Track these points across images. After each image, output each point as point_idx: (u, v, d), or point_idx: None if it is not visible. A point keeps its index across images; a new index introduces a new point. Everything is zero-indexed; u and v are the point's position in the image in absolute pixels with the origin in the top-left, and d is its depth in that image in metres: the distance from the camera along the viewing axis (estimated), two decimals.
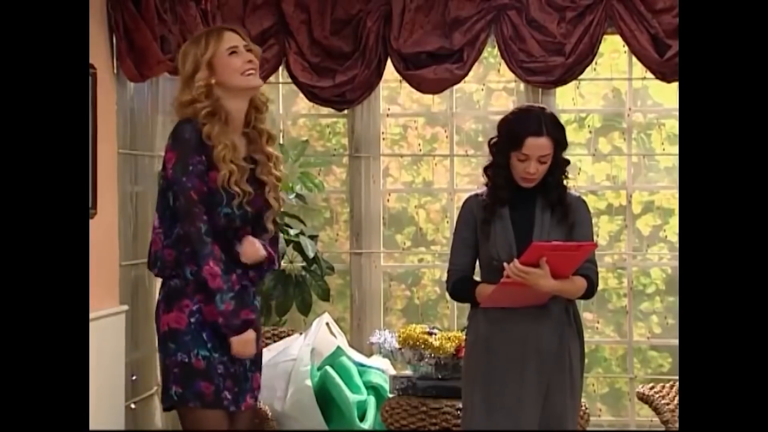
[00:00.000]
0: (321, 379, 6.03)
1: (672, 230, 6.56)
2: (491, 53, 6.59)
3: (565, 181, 4.39)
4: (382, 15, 6.42)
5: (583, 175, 6.63)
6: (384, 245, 6.75)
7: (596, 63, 6.46)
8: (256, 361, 4.21)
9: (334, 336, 6.24)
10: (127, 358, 5.99)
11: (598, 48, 6.31)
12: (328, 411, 6.00)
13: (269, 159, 4.17)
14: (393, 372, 6.12)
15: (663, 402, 5.52)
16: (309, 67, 6.47)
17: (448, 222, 6.70)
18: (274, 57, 6.43)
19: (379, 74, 6.48)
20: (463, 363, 4.59)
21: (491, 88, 6.78)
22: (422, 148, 6.84)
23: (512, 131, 4.31)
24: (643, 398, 5.61)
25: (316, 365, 6.07)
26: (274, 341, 6.28)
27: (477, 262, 4.44)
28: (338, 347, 6.14)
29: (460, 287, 4.42)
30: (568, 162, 4.39)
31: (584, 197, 4.50)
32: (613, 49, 6.61)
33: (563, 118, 4.48)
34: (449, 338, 5.78)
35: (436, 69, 6.37)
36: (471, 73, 6.45)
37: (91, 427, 3.73)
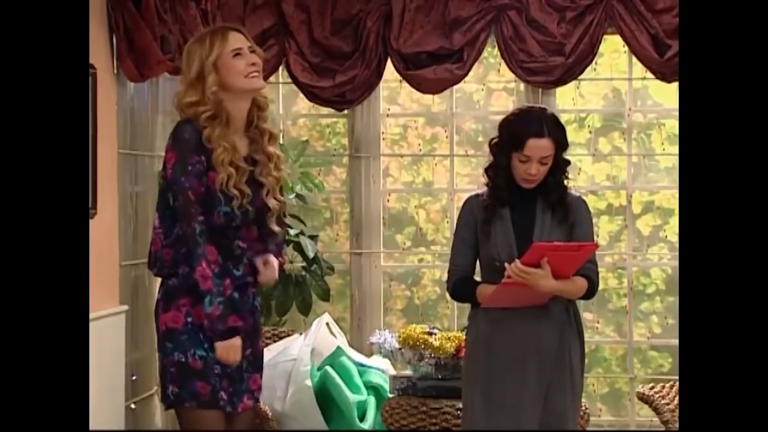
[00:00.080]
0: (321, 379, 6.03)
1: (672, 230, 6.56)
2: (491, 53, 6.59)
3: (565, 182, 4.39)
4: (382, 15, 6.42)
5: (583, 175, 6.63)
6: (384, 245, 6.75)
7: (596, 63, 6.46)
8: (255, 362, 4.20)
9: (334, 336, 6.24)
10: (127, 358, 5.99)
11: (598, 48, 6.31)
12: (328, 411, 6.00)
13: (270, 159, 4.17)
14: (393, 372, 6.12)
15: (663, 402, 5.52)
16: (309, 67, 6.47)
17: (448, 222, 6.70)
18: (274, 57, 6.43)
19: (379, 74, 6.48)
20: (463, 363, 4.59)
21: (491, 88, 6.78)
22: (422, 148, 6.84)
23: (513, 132, 4.31)
24: (643, 398, 5.61)
25: (316, 365, 6.07)
26: (274, 341, 6.28)
27: (477, 263, 4.44)
28: (338, 347, 6.14)
29: (460, 287, 4.42)
30: (568, 162, 4.39)
31: (584, 197, 4.50)
32: (613, 49, 6.61)
33: (563, 118, 4.48)
34: (449, 338, 5.78)
35: (436, 69, 6.37)
36: (471, 73, 6.45)
37: (91, 427, 3.72)
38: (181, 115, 4.13)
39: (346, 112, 6.66)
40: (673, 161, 6.55)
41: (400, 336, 5.87)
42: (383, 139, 6.75)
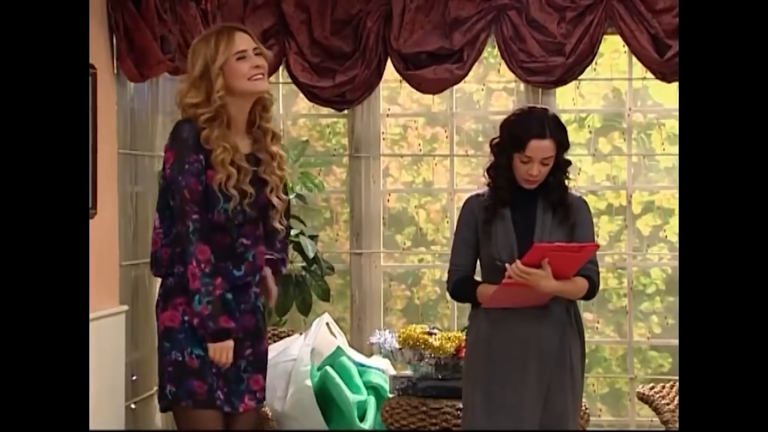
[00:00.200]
0: (321, 379, 6.03)
1: (672, 230, 6.56)
2: (491, 53, 6.59)
3: (566, 182, 4.39)
4: (382, 15, 6.42)
5: (583, 176, 6.63)
6: (384, 245, 6.74)
7: (596, 63, 6.46)
8: (256, 362, 4.19)
9: (334, 336, 6.24)
10: (127, 358, 5.99)
11: (598, 48, 6.31)
12: (328, 411, 6.00)
13: (273, 158, 4.17)
14: (393, 372, 6.12)
15: (663, 402, 5.52)
16: (309, 67, 6.47)
17: (448, 222, 6.70)
18: (274, 57, 6.41)
19: (379, 74, 6.48)
20: (463, 363, 4.59)
21: (491, 88, 6.77)
22: (422, 148, 6.84)
23: (515, 133, 4.30)
24: (643, 398, 5.62)
25: (316, 365, 6.07)
26: (274, 341, 6.27)
27: (478, 262, 4.44)
28: (338, 347, 6.14)
29: (461, 287, 4.42)
30: (569, 163, 4.39)
31: (584, 197, 4.50)
32: (613, 49, 6.61)
33: (563, 118, 4.48)
34: (449, 338, 5.78)
35: (436, 69, 6.37)
36: (471, 73, 6.45)
37: (91, 427, 3.72)
38: (182, 113, 4.14)
39: (346, 112, 6.66)
40: (673, 161, 6.55)
41: (400, 336, 5.87)
42: (383, 139, 6.75)
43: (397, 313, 6.84)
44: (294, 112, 6.92)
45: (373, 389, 6.12)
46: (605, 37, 6.35)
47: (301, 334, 6.28)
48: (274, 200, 4.16)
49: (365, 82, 6.45)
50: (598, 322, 6.63)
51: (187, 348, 4.07)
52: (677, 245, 4.74)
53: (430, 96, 6.65)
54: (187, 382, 4.06)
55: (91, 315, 4.37)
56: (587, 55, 6.29)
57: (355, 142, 6.69)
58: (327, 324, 6.24)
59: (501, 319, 4.33)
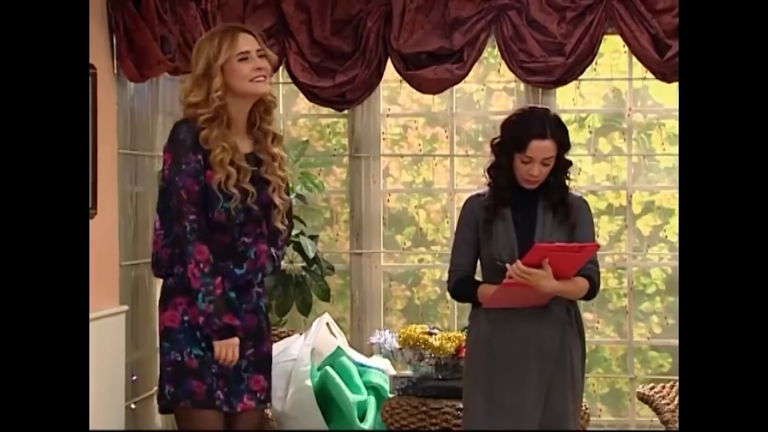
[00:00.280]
0: (321, 379, 6.03)
1: (672, 230, 6.56)
2: (491, 53, 6.59)
3: (567, 182, 4.39)
4: (382, 15, 6.42)
5: (584, 176, 6.63)
6: (384, 245, 6.74)
7: (596, 63, 6.46)
8: (257, 362, 4.18)
9: (334, 336, 6.24)
10: (127, 358, 5.99)
11: (598, 48, 6.31)
12: (329, 411, 6.00)
13: (274, 159, 4.17)
14: (393, 372, 6.12)
15: (663, 402, 5.52)
16: (309, 67, 6.47)
17: (448, 222, 6.70)
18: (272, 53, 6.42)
19: (380, 74, 6.48)
20: (464, 363, 4.59)
21: (491, 88, 6.77)
22: (422, 149, 6.84)
23: (516, 133, 4.30)
24: (644, 398, 5.62)
25: (316, 365, 6.07)
26: (275, 341, 6.26)
27: (478, 262, 4.44)
28: (338, 347, 6.14)
29: (461, 287, 4.42)
30: (570, 163, 4.39)
31: (585, 197, 4.50)
32: (613, 49, 6.61)
33: (563, 119, 4.48)
34: (449, 338, 5.78)
35: (436, 69, 6.37)
36: (471, 74, 6.45)
37: (91, 427, 3.72)
38: (184, 112, 4.15)
39: (346, 112, 6.66)
40: (673, 161, 6.55)
41: (400, 336, 5.87)
42: (383, 139, 6.75)
43: (397, 313, 6.84)
44: (294, 112, 6.92)
45: (373, 389, 6.12)
46: (605, 37, 6.34)
47: (301, 334, 6.28)
48: (277, 200, 4.16)
49: (365, 82, 6.45)
50: (598, 322, 6.63)
51: (186, 348, 4.07)
52: (677, 245, 4.74)
53: (430, 96, 6.65)
54: (185, 382, 4.06)
55: (91, 315, 4.37)
56: (587, 55, 6.29)
57: (355, 142, 6.69)
58: (327, 324, 6.24)
59: (501, 319, 4.33)
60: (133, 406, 6.07)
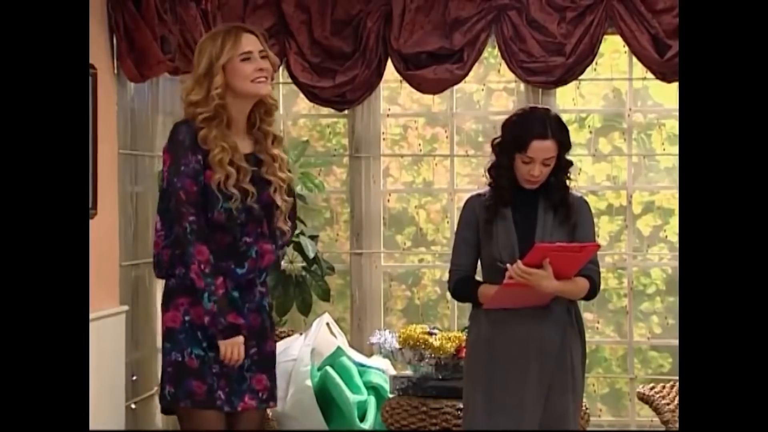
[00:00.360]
0: (321, 379, 6.03)
1: (672, 230, 6.56)
2: (491, 53, 6.59)
3: (567, 182, 4.39)
4: (382, 15, 6.42)
5: (584, 176, 6.62)
6: (384, 245, 6.74)
7: (596, 63, 6.46)
8: (260, 362, 4.17)
9: (335, 336, 6.24)
10: (127, 358, 5.99)
11: (598, 48, 6.31)
12: (329, 411, 6.00)
13: (274, 160, 4.17)
14: (393, 372, 6.12)
15: (663, 402, 5.52)
16: (309, 68, 6.47)
17: (448, 222, 6.70)
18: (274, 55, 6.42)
19: (380, 74, 6.48)
20: (464, 363, 4.58)
21: (491, 88, 6.77)
22: (422, 149, 6.84)
23: (517, 133, 4.30)
24: (644, 398, 5.62)
25: (316, 365, 6.07)
26: (275, 341, 6.27)
27: (478, 262, 4.44)
28: (338, 347, 6.14)
29: (461, 287, 4.42)
30: (571, 163, 4.39)
31: (585, 197, 4.50)
32: (613, 49, 6.61)
33: (563, 119, 4.48)
34: (449, 338, 5.78)
35: (436, 69, 6.37)
36: (471, 74, 6.45)
37: (91, 427, 3.72)
38: (185, 110, 4.15)
39: (346, 112, 6.66)
40: (673, 161, 6.55)
41: (400, 336, 5.87)
42: (383, 139, 6.75)
43: (397, 313, 6.84)
44: (294, 113, 6.92)
45: (374, 389, 6.12)
46: (605, 37, 6.34)
47: (301, 334, 6.28)
48: (278, 201, 4.16)
49: (365, 82, 6.45)
50: (598, 323, 6.63)
51: (187, 348, 4.07)
52: (677, 245, 4.74)
53: (430, 96, 6.65)
54: (186, 382, 4.06)
55: (92, 315, 4.38)
56: (587, 55, 6.29)
57: (355, 142, 6.69)
58: (327, 324, 6.24)
59: (502, 319, 4.33)
60: (133, 406, 6.07)
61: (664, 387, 5.68)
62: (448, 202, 6.73)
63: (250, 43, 4.13)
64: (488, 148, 4.45)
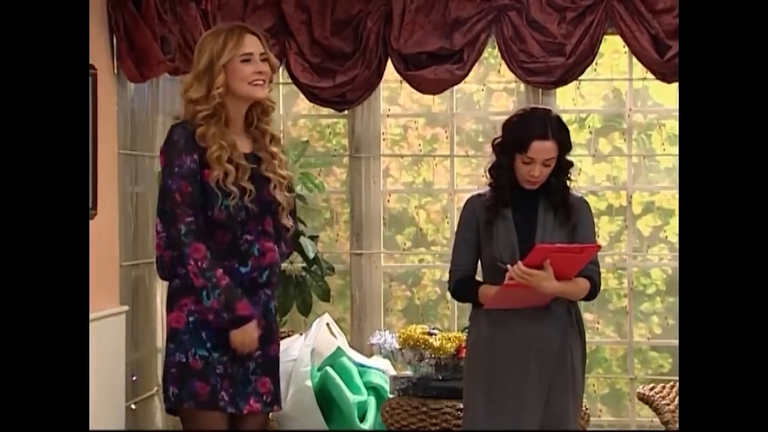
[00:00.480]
0: (321, 379, 6.03)
1: (672, 231, 6.56)
2: (491, 54, 6.59)
3: (568, 183, 4.39)
4: (382, 15, 6.42)
5: (584, 176, 6.62)
6: (384, 246, 6.74)
7: (596, 63, 6.46)
8: (265, 365, 4.15)
9: (335, 336, 6.24)
10: (127, 358, 5.99)
11: (598, 48, 6.31)
12: (329, 411, 6.00)
13: (273, 157, 4.16)
14: (393, 372, 6.12)
15: (663, 402, 5.52)
16: (309, 68, 6.47)
17: (448, 222, 6.70)
18: (274, 57, 6.41)
19: (380, 75, 6.48)
20: (464, 364, 4.58)
21: (491, 88, 6.77)
22: (422, 149, 6.84)
23: (517, 134, 4.30)
24: (644, 399, 5.62)
25: (316, 366, 6.07)
26: None
27: (479, 262, 4.44)
28: (338, 348, 6.14)
29: (462, 287, 4.42)
30: (571, 164, 4.39)
31: (585, 198, 4.50)
32: (613, 49, 6.61)
33: (563, 119, 4.48)
34: (449, 339, 5.78)
35: (436, 69, 6.37)
36: (471, 74, 6.45)
37: (91, 427, 3.72)
38: (184, 107, 4.14)
39: (346, 112, 6.66)
40: (673, 162, 6.55)
41: (400, 336, 5.87)
42: (383, 139, 6.75)
43: (397, 313, 6.84)
44: (294, 113, 6.92)
45: (374, 390, 6.12)
46: (605, 37, 6.35)
47: (301, 334, 6.28)
48: (279, 197, 4.15)
49: (365, 83, 6.45)
50: (598, 323, 6.63)
51: (191, 349, 4.05)
52: (677, 246, 4.74)
53: (430, 96, 6.65)
54: (189, 383, 4.04)
55: (92, 315, 4.37)
56: (587, 55, 6.29)
57: (355, 143, 6.69)
58: (327, 324, 6.24)
59: (502, 320, 4.33)
60: (133, 406, 6.07)
61: (664, 387, 5.68)
62: (448, 202, 6.73)
63: (251, 44, 4.12)
64: (488, 149, 4.45)
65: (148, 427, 6.28)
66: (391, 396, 5.93)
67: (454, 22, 6.34)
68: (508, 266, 4.18)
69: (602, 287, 4.49)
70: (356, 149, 6.68)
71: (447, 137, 6.75)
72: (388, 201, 6.78)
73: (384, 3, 6.41)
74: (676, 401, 5.42)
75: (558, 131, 4.31)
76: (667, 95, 6.57)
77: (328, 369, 6.04)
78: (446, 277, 4.50)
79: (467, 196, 4.51)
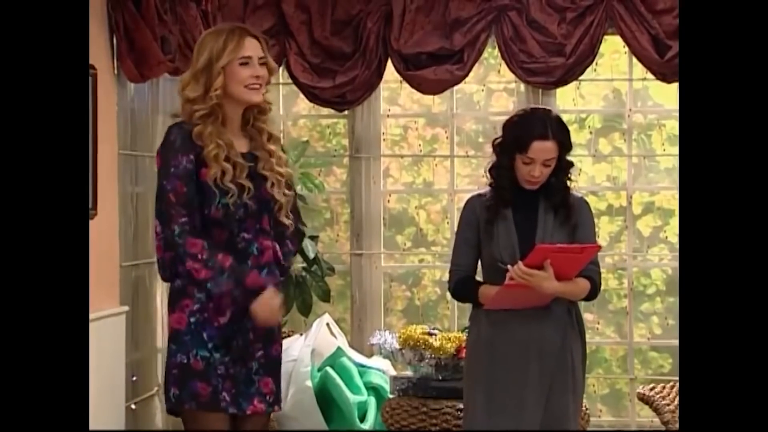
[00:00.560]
0: (321, 379, 6.03)
1: (672, 231, 6.56)
2: (491, 54, 6.59)
3: (568, 183, 4.39)
4: (382, 15, 6.42)
5: (584, 176, 6.62)
6: (384, 246, 6.74)
7: (596, 64, 6.46)
8: (267, 365, 4.14)
9: (335, 337, 6.24)
10: (127, 358, 5.99)
11: (598, 49, 6.31)
12: (329, 412, 6.00)
13: (271, 156, 4.15)
14: (393, 373, 6.12)
15: (663, 403, 5.52)
16: (309, 68, 6.47)
17: (448, 223, 6.70)
18: (275, 58, 6.38)
19: (380, 75, 6.48)
20: (464, 364, 4.58)
21: (491, 88, 6.77)
22: (422, 149, 6.84)
23: (518, 134, 4.30)
24: (644, 399, 5.62)
25: (316, 366, 6.07)
26: None
27: (479, 262, 4.44)
28: (338, 348, 6.14)
29: (462, 287, 4.42)
30: (572, 164, 4.39)
31: (586, 198, 4.50)
32: (613, 49, 6.61)
33: (563, 119, 4.48)
34: (449, 339, 5.78)
35: (436, 70, 6.37)
36: (471, 74, 6.45)
37: (91, 427, 3.72)
38: (181, 106, 4.14)
39: (346, 112, 6.66)
40: (673, 162, 6.55)
41: (400, 337, 5.87)
42: (383, 139, 6.75)
43: (397, 313, 6.84)
44: (294, 113, 6.92)
45: (374, 390, 6.12)
46: (605, 37, 6.34)
47: (301, 334, 6.28)
48: (277, 195, 4.13)
49: (365, 83, 6.45)
50: (598, 323, 6.63)
51: (192, 350, 4.05)
52: (677, 246, 4.74)
53: (430, 96, 6.65)
54: (190, 384, 4.04)
55: (92, 315, 4.37)
56: (587, 55, 6.29)
57: (355, 143, 6.69)
58: (327, 325, 6.24)
59: (502, 320, 4.33)
60: (133, 406, 6.07)
61: (664, 387, 5.68)
62: (448, 202, 6.73)
63: (251, 47, 4.11)
64: (488, 149, 4.45)
65: (148, 427, 6.28)
66: (391, 396, 5.93)
67: (454, 22, 6.34)
68: (509, 266, 4.18)
69: (602, 287, 4.49)
70: (356, 149, 6.68)
71: (447, 137, 6.75)
72: (388, 201, 6.78)
73: (384, 3, 6.41)
74: (676, 401, 5.42)
75: (558, 131, 4.31)
76: (667, 95, 6.57)
77: (328, 369, 6.04)
78: (446, 277, 4.50)
79: (467, 196, 4.51)
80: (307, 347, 6.07)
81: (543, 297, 4.24)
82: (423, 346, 5.77)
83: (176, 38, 6.13)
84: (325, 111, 6.70)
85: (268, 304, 4.02)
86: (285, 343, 6.16)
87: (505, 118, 4.47)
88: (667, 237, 6.62)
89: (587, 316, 6.31)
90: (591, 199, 6.26)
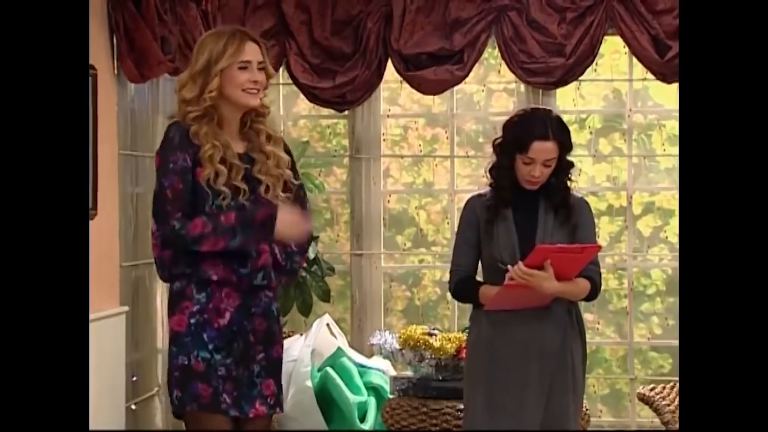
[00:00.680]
0: (321, 380, 6.03)
1: (672, 231, 6.56)
2: (492, 54, 6.59)
3: (568, 183, 4.39)
4: (382, 16, 6.42)
5: (584, 176, 6.62)
6: (384, 246, 6.74)
7: (597, 64, 6.46)
8: (268, 367, 4.13)
9: (335, 337, 6.24)
10: (127, 359, 5.99)
11: (598, 49, 6.31)
12: (329, 412, 6.00)
13: (268, 157, 4.12)
14: (393, 373, 6.12)
15: (663, 403, 5.52)
16: (309, 68, 6.47)
17: (448, 223, 6.70)
18: (275, 58, 6.42)
19: (380, 75, 6.48)
20: (465, 364, 4.58)
21: (492, 89, 6.77)
22: (423, 149, 6.84)
23: (518, 134, 4.30)
24: (644, 399, 5.61)
25: (316, 366, 6.07)
26: None
27: (479, 263, 4.44)
28: (339, 348, 6.14)
29: (462, 288, 4.41)
30: (572, 164, 4.39)
31: (586, 198, 4.50)
32: (613, 50, 6.61)
33: (564, 119, 4.48)
34: (450, 339, 5.79)
35: (436, 70, 6.37)
36: (471, 74, 6.45)
37: (91, 427, 3.72)
38: (177, 106, 4.14)
39: (346, 113, 6.66)
40: (673, 162, 6.55)
41: (400, 337, 5.87)
42: (384, 140, 6.75)
43: (397, 313, 6.84)
44: (294, 113, 6.92)
45: (374, 390, 6.12)
46: (605, 37, 6.35)
47: (301, 335, 6.28)
48: (271, 199, 4.11)
49: (365, 83, 6.45)
50: (598, 323, 6.63)
51: (193, 351, 4.03)
52: (677, 246, 4.74)
53: (430, 97, 6.65)
54: (192, 385, 4.02)
55: (92, 316, 4.37)
56: (587, 55, 6.30)
57: (355, 143, 6.69)
58: (327, 325, 6.24)
59: (502, 320, 4.33)
60: (133, 406, 6.07)
61: (664, 388, 5.68)
62: (448, 202, 6.73)
63: (251, 52, 4.09)
64: (489, 149, 4.45)
65: (148, 427, 6.28)
66: (391, 396, 5.93)
67: (454, 22, 6.35)
68: (509, 266, 4.18)
69: (602, 287, 4.49)
70: (356, 150, 6.68)
71: (447, 138, 6.75)
72: (389, 201, 6.78)
73: (384, 3, 6.41)
74: (676, 402, 5.42)
75: (558, 131, 4.31)
76: (667, 96, 6.57)
77: (329, 369, 6.04)
78: (446, 277, 4.50)
79: (467, 196, 4.51)
80: (307, 347, 6.07)
81: (543, 297, 4.24)
82: (423, 347, 5.77)
83: (176, 38, 6.13)
84: (325, 111, 6.70)
85: (287, 220, 4.01)
86: (285, 343, 6.17)
87: (505, 118, 4.47)
88: (667, 237, 6.62)
89: (587, 316, 6.31)
90: (591, 200, 6.25)
